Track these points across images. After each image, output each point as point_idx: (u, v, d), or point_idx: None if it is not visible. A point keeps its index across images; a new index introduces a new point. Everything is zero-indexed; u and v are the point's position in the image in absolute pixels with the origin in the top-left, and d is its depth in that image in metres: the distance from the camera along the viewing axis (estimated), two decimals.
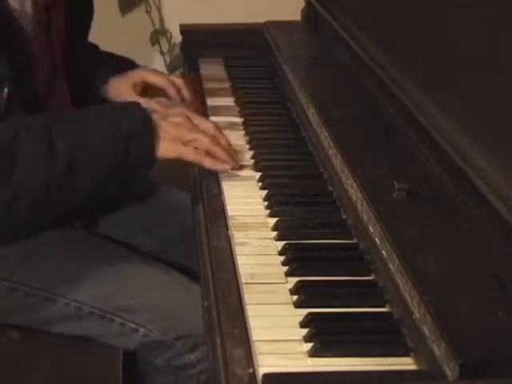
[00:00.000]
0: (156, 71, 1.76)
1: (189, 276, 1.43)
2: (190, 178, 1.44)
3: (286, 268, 1.06)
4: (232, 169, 1.32)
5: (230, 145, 1.34)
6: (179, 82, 1.66)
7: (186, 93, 1.65)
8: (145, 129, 1.25)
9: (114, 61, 1.68)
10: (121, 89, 1.62)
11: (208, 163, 1.30)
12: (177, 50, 2.34)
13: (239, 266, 1.07)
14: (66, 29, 1.45)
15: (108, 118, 1.26)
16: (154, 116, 1.28)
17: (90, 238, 1.50)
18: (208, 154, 1.29)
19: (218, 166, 1.31)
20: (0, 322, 1.42)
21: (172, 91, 1.64)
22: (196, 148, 1.29)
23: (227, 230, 1.18)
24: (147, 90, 1.66)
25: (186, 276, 1.43)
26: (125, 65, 1.68)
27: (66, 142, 1.20)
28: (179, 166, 1.38)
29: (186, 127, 1.29)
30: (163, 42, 2.46)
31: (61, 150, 1.19)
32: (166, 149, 1.26)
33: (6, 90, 1.28)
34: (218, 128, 1.35)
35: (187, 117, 1.32)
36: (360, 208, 1.11)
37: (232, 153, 1.34)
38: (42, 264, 1.39)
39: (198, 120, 1.34)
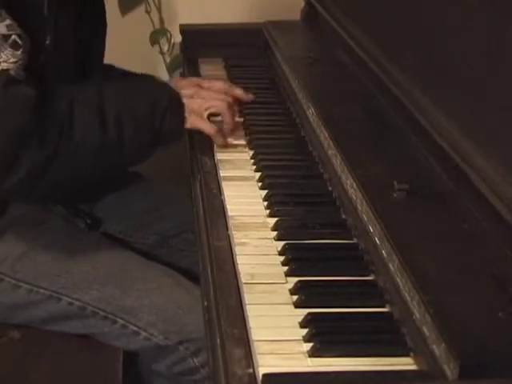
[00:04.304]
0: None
1: (190, 278, 1.43)
2: (187, 175, 1.45)
3: (285, 268, 1.06)
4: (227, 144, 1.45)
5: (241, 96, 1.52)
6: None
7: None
8: (179, 105, 1.39)
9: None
10: None
11: (218, 141, 1.43)
12: (177, 50, 2.33)
13: (239, 266, 1.07)
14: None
15: (150, 92, 1.39)
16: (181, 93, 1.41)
17: (92, 237, 1.50)
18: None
19: (226, 142, 1.44)
20: (2, 321, 1.43)
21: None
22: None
23: (227, 229, 1.18)
24: None
25: (188, 278, 1.43)
26: None
27: (116, 112, 1.33)
28: (177, 164, 1.39)
29: (199, 96, 1.43)
30: (163, 41, 2.45)
31: (111, 119, 1.32)
32: (187, 122, 1.40)
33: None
34: (228, 84, 1.52)
35: (197, 85, 1.46)
36: (360, 208, 1.11)
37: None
38: (45, 262, 1.40)
39: (209, 83, 1.48)
